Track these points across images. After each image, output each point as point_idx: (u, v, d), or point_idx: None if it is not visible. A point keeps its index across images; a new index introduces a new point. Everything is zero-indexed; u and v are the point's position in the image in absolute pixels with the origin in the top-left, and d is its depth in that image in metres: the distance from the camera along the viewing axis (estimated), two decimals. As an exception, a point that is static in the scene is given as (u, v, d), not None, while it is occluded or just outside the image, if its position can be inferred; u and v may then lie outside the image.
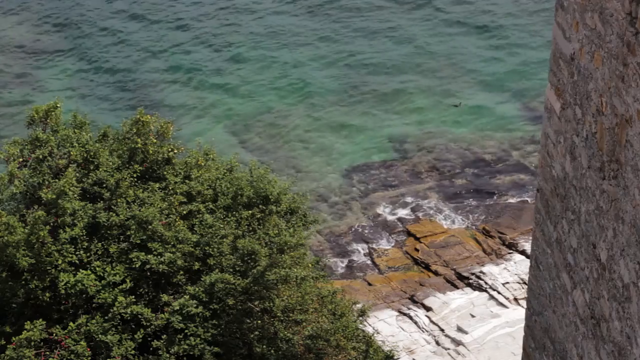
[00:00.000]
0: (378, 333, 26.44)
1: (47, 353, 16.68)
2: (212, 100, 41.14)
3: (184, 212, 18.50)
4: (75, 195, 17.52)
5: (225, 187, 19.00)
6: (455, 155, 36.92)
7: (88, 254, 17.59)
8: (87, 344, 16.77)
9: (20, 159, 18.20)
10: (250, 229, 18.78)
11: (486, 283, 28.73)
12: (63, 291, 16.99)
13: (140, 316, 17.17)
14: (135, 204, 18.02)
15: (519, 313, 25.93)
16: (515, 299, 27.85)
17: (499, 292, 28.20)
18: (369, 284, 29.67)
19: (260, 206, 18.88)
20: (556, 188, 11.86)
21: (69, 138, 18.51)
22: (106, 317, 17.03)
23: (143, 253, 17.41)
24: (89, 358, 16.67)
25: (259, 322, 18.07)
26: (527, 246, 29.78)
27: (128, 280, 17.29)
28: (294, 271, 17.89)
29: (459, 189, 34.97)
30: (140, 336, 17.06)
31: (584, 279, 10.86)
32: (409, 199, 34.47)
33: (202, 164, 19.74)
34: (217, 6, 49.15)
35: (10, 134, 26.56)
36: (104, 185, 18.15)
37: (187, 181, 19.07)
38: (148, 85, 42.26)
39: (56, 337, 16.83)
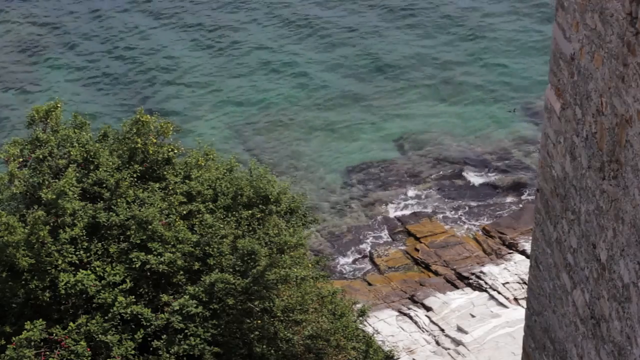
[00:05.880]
0: (378, 333, 26.44)
1: (47, 353, 16.67)
2: (212, 101, 41.15)
3: (184, 212, 18.49)
4: (75, 195, 17.51)
5: (225, 187, 18.99)
6: (455, 155, 36.94)
7: (88, 254, 17.58)
8: (87, 344, 16.76)
9: (20, 159, 18.19)
10: (250, 229, 18.77)
11: (486, 283, 28.73)
12: (63, 291, 16.97)
13: (140, 316, 17.16)
14: (135, 204, 18.00)
15: (519, 313, 25.94)
16: (515, 299, 27.86)
17: (499, 292, 28.20)
18: (369, 284, 29.67)
19: (260, 206, 18.88)
20: (556, 188, 11.86)
21: (69, 138, 18.49)
22: (106, 317, 17.02)
23: (143, 253, 17.40)
24: (89, 358, 16.66)
25: (259, 322, 18.07)
26: (527, 246, 29.78)
27: (128, 280, 17.28)
28: (294, 271, 17.89)
29: (459, 189, 34.99)
30: (140, 336, 17.05)
31: (584, 279, 10.87)
32: (409, 199, 34.48)
33: (202, 164, 19.73)
34: (217, 7, 49.15)
35: (10, 134, 26.56)
36: (104, 185, 18.14)
37: (187, 181, 19.06)
38: (148, 85, 42.27)
39: (56, 337, 16.82)
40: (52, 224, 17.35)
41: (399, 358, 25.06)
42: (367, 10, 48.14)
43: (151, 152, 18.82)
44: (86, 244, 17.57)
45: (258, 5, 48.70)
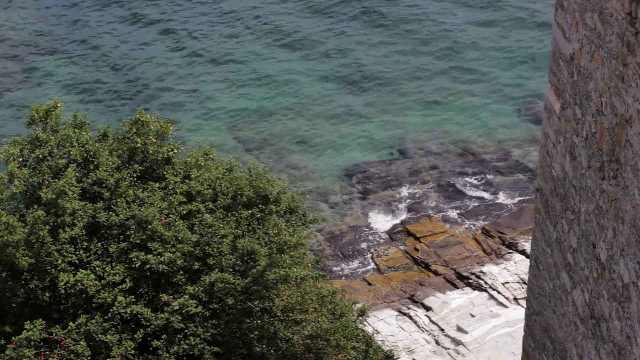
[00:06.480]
0: (378, 333, 26.44)
1: (47, 353, 16.66)
2: (212, 101, 41.15)
3: (184, 212, 18.49)
4: (75, 195, 17.51)
5: (225, 187, 18.99)
6: (455, 155, 36.94)
7: (88, 254, 17.57)
8: (87, 344, 16.75)
9: (20, 159, 18.18)
10: (250, 229, 18.77)
11: (486, 283, 28.73)
12: (63, 291, 16.97)
13: (140, 316, 17.16)
14: (135, 204, 18.00)
15: (519, 313, 25.94)
16: (515, 299, 27.86)
17: (499, 292, 28.20)
18: (369, 284, 29.67)
19: (260, 206, 18.88)
20: (556, 188, 11.86)
21: (69, 138, 18.49)
22: (106, 317, 17.02)
23: (143, 253, 17.40)
24: (89, 358, 16.66)
25: (259, 322, 18.07)
26: (527, 246, 29.78)
27: (128, 280, 17.28)
28: (294, 271, 17.89)
29: (459, 189, 34.98)
30: (140, 336, 17.05)
31: (584, 279, 10.87)
32: (409, 199, 34.48)
33: (202, 164, 19.72)
34: (216, 8, 49.16)
35: (11, 134, 26.56)
36: (104, 185, 18.14)
37: (187, 181, 19.06)
38: (148, 85, 42.27)
39: (56, 337, 16.82)
40: (52, 224, 17.35)
41: (399, 358, 25.05)
42: (365, 10, 48.17)
43: (151, 152, 18.82)
44: (86, 244, 17.57)
45: (251, 18, 48.58)
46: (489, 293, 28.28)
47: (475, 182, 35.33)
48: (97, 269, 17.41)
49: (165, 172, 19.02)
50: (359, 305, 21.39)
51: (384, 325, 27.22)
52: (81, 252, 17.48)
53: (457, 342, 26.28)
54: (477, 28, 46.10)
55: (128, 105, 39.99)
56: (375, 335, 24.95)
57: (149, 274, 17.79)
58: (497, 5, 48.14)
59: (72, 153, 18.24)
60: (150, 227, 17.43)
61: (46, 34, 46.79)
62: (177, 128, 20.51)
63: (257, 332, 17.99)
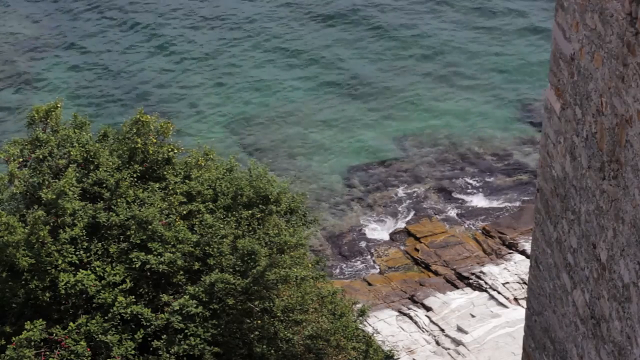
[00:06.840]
0: (378, 333, 26.44)
1: (47, 353, 16.67)
2: (212, 101, 41.15)
3: (184, 212, 18.49)
4: (75, 195, 17.51)
5: (225, 187, 18.99)
6: (455, 155, 36.94)
7: (88, 254, 17.58)
8: (87, 344, 16.76)
9: (20, 159, 18.19)
10: (250, 229, 18.77)
11: (486, 283, 28.73)
12: (63, 291, 16.97)
13: (140, 316, 17.16)
14: (135, 204, 18.00)
15: (519, 313, 25.93)
16: (515, 299, 27.85)
17: (499, 292, 28.20)
18: (369, 284, 29.67)
19: (260, 206, 18.88)
20: (556, 188, 11.87)
21: (69, 138, 18.49)
22: (106, 317, 17.02)
23: (143, 253, 17.40)
24: (89, 358, 16.67)
25: (259, 322, 18.07)
26: (527, 246, 29.78)
27: (128, 280, 17.28)
28: (294, 271, 17.89)
29: (459, 189, 34.99)
30: (140, 336, 17.06)
31: (584, 279, 10.87)
32: (408, 199, 34.48)
33: (202, 164, 19.73)
34: (214, 13, 49.14)
35: (10, 134, 26.56)
36: (104, 185, 18.14)
37: (187, 181, 19.06)
38: (148, 85, 42.26)
39: (56, 337, 16.83)
40: (52, 224, 17.35)
41: (399, 358, 25.06)
42: (366, 9, 48.20)
43: (151, 152, 18.82)
44: (86, 244, 17.57)
45: (248, 23, 48.55)
46: (489, 293, 28.28)
47: (475, 182, 35.33)
48: (97, 269, 17.41)
49: (165, 172, 19.02)
50: (359, 305, 21.39)
51: (384, 325, 27.22)
52: (81, 252, 17.48)
53: (457, 342, 26.28)
54: (473, 31, 46.09)
55: (125, 108, 39.94)
56: (375, 335, 24.95)
57: (149, 274, 17.79)
58: (493, 8, 48.15)
59: (72, 153, 18.24)
60: (150, 227, 17.43)
61: (43, 37, 46.75)
62: (176, 127, 20.52)
63: (257, 332, 17.99)
